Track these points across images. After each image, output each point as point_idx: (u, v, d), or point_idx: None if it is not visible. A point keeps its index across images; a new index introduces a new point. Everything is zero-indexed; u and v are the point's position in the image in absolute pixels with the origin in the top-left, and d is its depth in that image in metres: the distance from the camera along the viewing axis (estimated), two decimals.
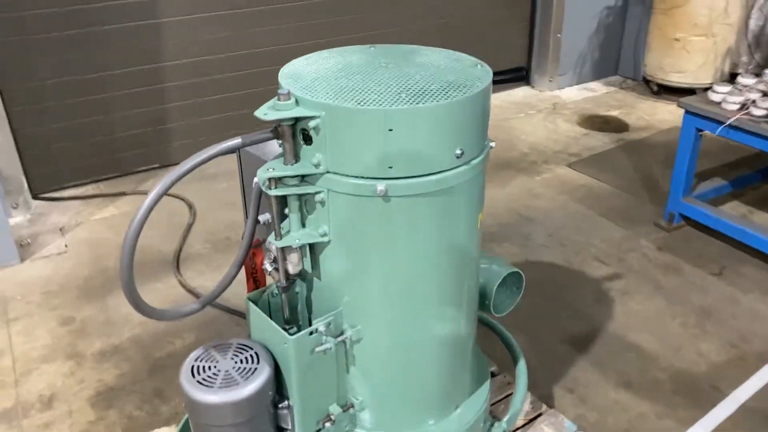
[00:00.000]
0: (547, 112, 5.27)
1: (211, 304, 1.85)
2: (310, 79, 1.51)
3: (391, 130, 1.38)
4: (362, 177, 1.44)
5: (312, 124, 1.41)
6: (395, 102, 1.39)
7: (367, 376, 1.71)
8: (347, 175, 1.45)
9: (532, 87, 5.77)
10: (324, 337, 1.59)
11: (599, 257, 3.32)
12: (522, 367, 2.16)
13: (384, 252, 1.54)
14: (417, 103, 1.38)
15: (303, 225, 1.57)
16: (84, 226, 3.78)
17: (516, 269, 1.98)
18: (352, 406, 1.75)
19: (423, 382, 1.74)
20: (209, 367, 1.59)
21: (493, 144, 1.64)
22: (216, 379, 1.56)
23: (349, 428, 1.78)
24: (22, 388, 2.56)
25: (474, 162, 1.53)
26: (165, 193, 1.36)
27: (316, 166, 1.45)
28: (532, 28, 5.60)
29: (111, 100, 4.17)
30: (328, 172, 1.46)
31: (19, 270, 3.33)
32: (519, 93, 5.65)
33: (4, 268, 3.32)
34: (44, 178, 4.13)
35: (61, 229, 3.76)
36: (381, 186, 1.43)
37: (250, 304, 1.68)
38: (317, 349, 1.58)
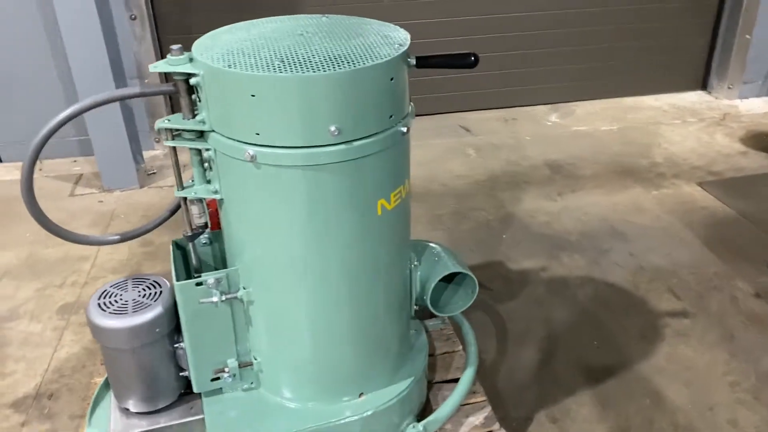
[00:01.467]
0: (711, 122, 4.61)
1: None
2: (220, 42, 1.55)
3: (253, 95, 1.38)
4: (235, 140, 1.46)
5: (192, 81, 1.46)
6: (265, 68, 1.38)
7: (259, 339, 1.75)
8: (224, 136, 1.48)
9: (708, 92, 5.07)
10: (213, 291, 1.66)
11: (675, 290, 2.89)
12: (469, 373, 2.02)
13: (264, 220, 1.56)
14: (285, 72, 1.36)
15: (207, 181, 1.64)
16: None
17: (464, 271, 1.85)
18: (251, 364, 1.80)
19: (306, 358, 1.73)
20: (115, 295, 1.75)
21: (404, 129, 1.54)
22: (113, 306, 1.71)
23: (255, 386, 1.84)
24: (86, 289, 3.00)
25: (358, 143, 1.46)
26: (59, 127, 1.51)
27: (203, 123, 1.51)
28: (717, 24, 4.89)
29: None
30: (213, 130, 1.51)
31: (135, 194, 3.86)
32: (689, 97, 5.00)
33: (124, 190, 3.87)
34: None
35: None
36: (250, 151, 1.45)
37: (172, 246, 1.81)
38: (202, 300, 1.65)
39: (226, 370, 1.77)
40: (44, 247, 3.28)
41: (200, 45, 1.53)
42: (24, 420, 2.26)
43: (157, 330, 1.71)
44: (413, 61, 1.59)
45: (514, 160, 4.13)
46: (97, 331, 1.70)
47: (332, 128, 1.42)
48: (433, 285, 1.85)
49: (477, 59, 1.63)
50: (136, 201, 3.78)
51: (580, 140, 4.38)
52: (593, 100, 4.96)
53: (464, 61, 1.63)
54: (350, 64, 1.40)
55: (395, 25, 1.66)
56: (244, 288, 1.67)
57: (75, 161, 4.23)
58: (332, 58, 1.42)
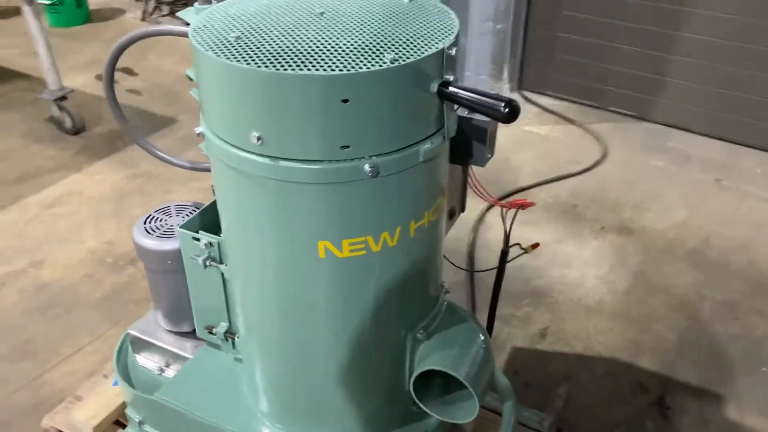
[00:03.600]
0: None
1: None
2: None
3: (194, 77, 1.20)
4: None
5: None
6: (221, 45, 1.16)
7: (236, 319, 1.63)
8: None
9: None
10: (202, 250, 1.59)
11: None
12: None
13: (224, 209, 1.39)
14: (227, 55, 1.12)
15: None
16: (503, 131, 3.98)
17: (463, 382, 1.37)
18: (234, 337, 1.71)
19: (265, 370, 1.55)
20: (159, 220, 1.82)
21: (367, 168, 1.14)
22: (158, 230, 1.80)
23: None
24: None
25: (284, 163, 1.14)
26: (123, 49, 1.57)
27: None
28: None
29: (619, 36, 3.94)
30: None
31: None
32: None
33: None
34: (532, 78, 4.39)
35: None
36: (198, 130, 1.28)
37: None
38: (191, 255, 1.61)
39: (214, 331, 1.73)
40: None
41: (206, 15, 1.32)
42: None
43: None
44: (434, 87, 1.14)
45: None
46: (137, 249, 1.82)
47: (254, 134, 1.14)
48: (418, 372, 1.42)
49: (513, 112, 1.07)
50: None
51: None
52: None
53: (495, 110, 1.09)
54: (294, 64, 1.07)
55: None
56: (225, 265, 1.56)
57: None
58: (282, 52, 1.11)
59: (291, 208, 1.21)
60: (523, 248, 1.85)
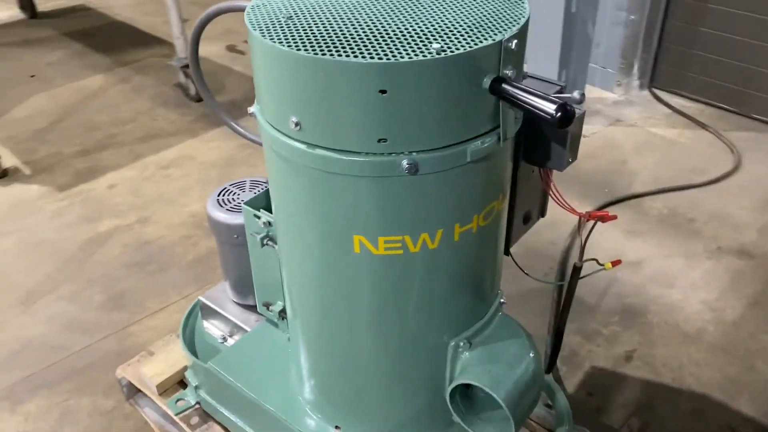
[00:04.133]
0: None
1: None
2: None
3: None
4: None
5: None
6: (270, 24, 1.13)
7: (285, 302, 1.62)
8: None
9: None
10: (261, 228, 1.59)
11: None
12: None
13: (272, 192, 1.37)
14: (271, 35, 1.09)
15: None
16: (626, 131, 3.68)
17: (500, 400, 1.28)
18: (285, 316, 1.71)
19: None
20: (233, 193, 1.84)
21: (405, 164, 1.06)
22: (230, 203, 1.82)
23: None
24: None
25: (323, 152, 1.09)
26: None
27: None
28: None
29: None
30: None
31: None
32: None
33: None
34: (665, 75, 4.04)
35: (617, 121, 3.78)
36: (251, 110, 1.27)
37: None
38: (250, 232, 1.61)
39: (271, 308, 1.74)
40: None
41: None
42: None
43: None
44: (487, 82, 1.04)
45: None
46: (208, 220, 1.86)
47: (293, 120, 1.10)
48: (455, 384, 1.34)
49: (566, 118, 0.95)
50: None
51: None
52: None
53: (545, 113, 0.97)
54: (334, 49, 1.02)
55: None
56: (276, 245, 1.55)
57: None
58: (327, 35, 1.06)
59: (327, 199, 1.17)
60: (600, 264, 1.68)
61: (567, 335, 2.39)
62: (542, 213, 1.80)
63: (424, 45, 1.02)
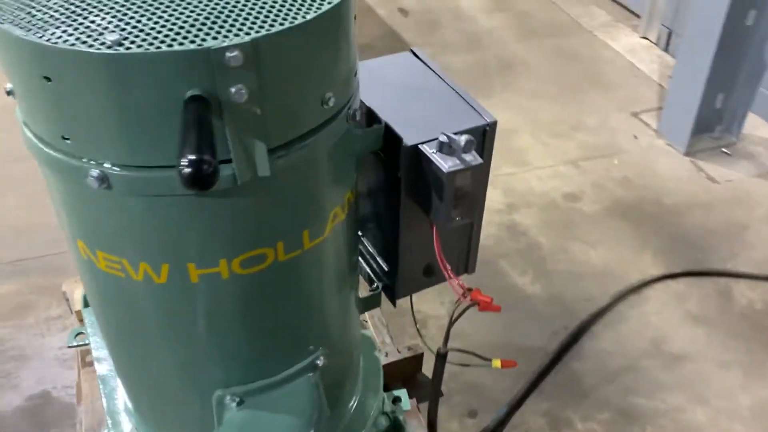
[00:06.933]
0: None
1: None
2: None
3: None
4: None
5: None
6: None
7: None
8: None
9: None
10: None
11: None
12: None
13: None
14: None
15: None
16: None
17: None
18: None
19: None
20: None
21: (94, 175, 0.83)
22: None
23: None
24: None
25: (29, 133, 0.90)
26: None
27: None
28: None
29: None
30: None
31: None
32: None
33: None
34: None
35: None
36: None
37: None
38: None
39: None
40: None
41: None
42: None
43: None
44: (180, 98, 0.77)
45: None
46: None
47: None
48: None
49: (198, 177, 0.66)
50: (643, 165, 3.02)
51: None
52: None
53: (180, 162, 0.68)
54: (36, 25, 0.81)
55: None
56: None
57: None
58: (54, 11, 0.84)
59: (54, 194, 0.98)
60: (486, 359, 1.28)
61: (531, 414, 2.00)
62: (468, 268, 1.45)
63: (101, 35, 0.77)
